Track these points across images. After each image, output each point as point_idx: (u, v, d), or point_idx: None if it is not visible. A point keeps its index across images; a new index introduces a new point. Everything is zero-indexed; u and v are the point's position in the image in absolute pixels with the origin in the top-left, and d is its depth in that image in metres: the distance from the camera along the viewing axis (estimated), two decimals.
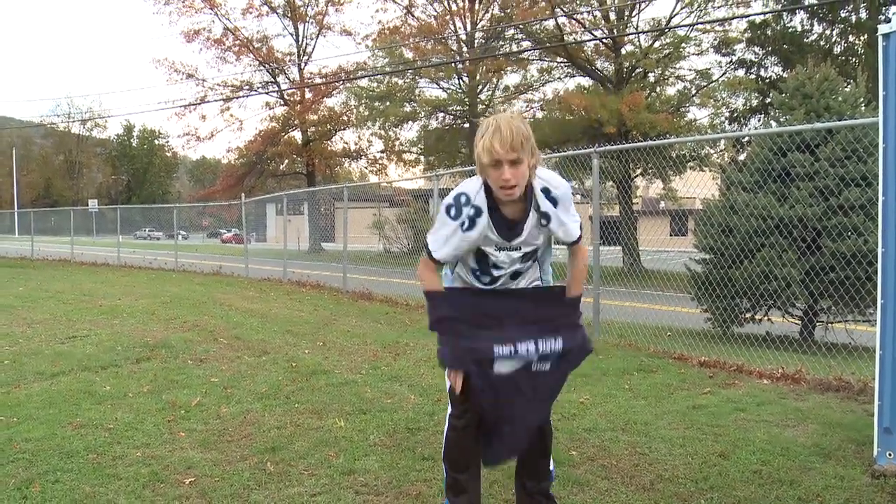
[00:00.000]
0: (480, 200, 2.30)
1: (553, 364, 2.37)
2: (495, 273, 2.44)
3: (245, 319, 8.19)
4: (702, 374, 5.41)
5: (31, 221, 24.34)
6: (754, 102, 20.84)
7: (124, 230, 25.26)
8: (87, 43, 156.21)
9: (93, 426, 3.91)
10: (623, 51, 21.70)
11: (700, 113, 22.56)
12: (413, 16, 27.95)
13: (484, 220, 2.30)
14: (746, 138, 15.65)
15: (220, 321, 7.99)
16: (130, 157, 73.21)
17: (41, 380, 5.06)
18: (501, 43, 25.31)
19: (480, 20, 26.63)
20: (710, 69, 21.63)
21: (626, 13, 21.32)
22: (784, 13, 20.00)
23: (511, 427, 2.43)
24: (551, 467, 2.73)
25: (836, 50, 19.49)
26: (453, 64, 25.74)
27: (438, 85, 27.28)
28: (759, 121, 20.83)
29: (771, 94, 12.16)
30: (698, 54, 21.72)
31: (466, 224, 2.30)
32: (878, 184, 3.27)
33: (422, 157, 30.73)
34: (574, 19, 21.76)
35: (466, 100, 26.24)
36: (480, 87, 26.37)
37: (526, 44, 23.89)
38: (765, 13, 20.30)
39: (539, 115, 24.67)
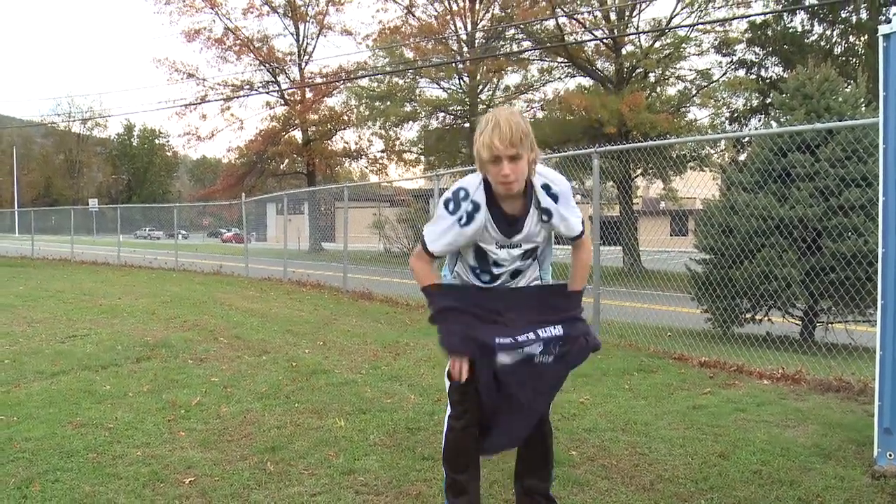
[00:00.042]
0: (479, 196, 2.29)
1: (556, 357, 2.36)
2: (495, 271, 2.43)
3: (245, 319, 8.19)
4: (702, 374, 5.41)
5: (31, 220, 24.34)
6: (755, 103, 20.83)
7: (124, 229, 25.25)
8: (88, 42, 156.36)
9: (93, 425, 3.91)
10: (623, 51, 21.71)
11: (700, 113, 22.59)
12: (414, 16, 27.97)
13: (482, 215, 2.30)
14: (747, 139, 15.65)
15: (220, 321, 7.99)
16: (131, 157, 73.19)
17: (41, 379, 5.06)
18: (502, 43, 25.32)
19: (481, 20, 26.64)
20: (710, 69, 21.66)
21: (627, 13, 21.32)
22: (784, 13, 20.00)
23: (510, 418, 2.42)
24: (552, 472, 2.71)
25: (837, 50, 19.48)
26: (454, 64, 25.74)
27: (439, 85, 27.29)
28: (759, 121, 20.84)
29: (771, 95, 12.15)
30: (699, 54, 21.75)
31: (464, 219, 2.29)
32: (878, 184, 3.27)
33: (422, 157, 30.73)
34: (574, 19, 21.77)
35: (467, 100, 26.24)
36: (481, 86, 26.37)
37: (526, 44, 23.90)
38: (765, 13, 20.30)
39: (539, 115, 24.69)
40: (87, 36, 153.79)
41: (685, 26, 20.61)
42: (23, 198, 59.43)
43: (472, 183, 2.32)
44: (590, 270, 2.61)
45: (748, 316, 8.51)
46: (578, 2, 21.24)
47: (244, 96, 33.03)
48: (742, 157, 15.81)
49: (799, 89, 8.88)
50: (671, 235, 18.76)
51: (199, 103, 32.72)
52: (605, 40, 21.42)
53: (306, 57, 33.25)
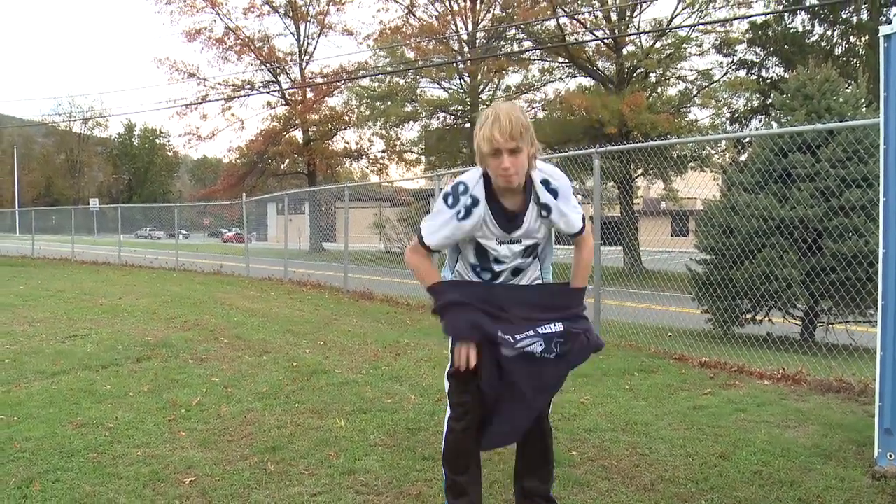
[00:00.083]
0: (479, 191, 2.29)
1: (557, 355, 2.35)
2: (496, 268, 2.42)
3: (246, 319, 8.19)
4: (702, 374, 5.41)
5: (32, 220, 24.34)
6: (755, 103, 20.83)
7: (125, 229, 25.25)
8: (89, 42, 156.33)
9: (93, 425, 3.91)
10: (624, 51, 21.71)
11: (701, 113, 22.60)
12: (414, 16, 27.98)
13: (481, 210, 2.29)
14: (747, 139, 15.64)
15: (220, 320, 7.99)
16: (131, 157, 73.20)
17: (42, 379, 5.07)
18: (503, 43, 25.31)
19: (482, 20, 26.64)
20: (711, 70, 21.67)
21: (628, 13, 21.32)
22: (785, 14, 20.00)
23: (511, 407, 2.40)
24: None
25: (838, 51, 19.47)
26: (454, 64, 25.75)
27: (440, 85, 27.30)
28: (760, 121, 20.84)
29: (772, 95, 12.15)
30: (699, 55, 21.75)
31: (462, 213, 2.29)
32: (879, 185, 3.26)
33: (423, 157, 30.74)
34: (575, 19, 21.78)
35: (468, 100, 26.24)
36: (482, 87, 26.38)
37: (527, 44, 23.90)
38: (766, 14, 20.29)
39: (540, 115, 24.67)
40: (87, 36, 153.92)
41: (686, 26, 20.62)
42: (23, 197, 59.44)
43: (472, 178, 2.32)
44: (591, 268, 2.60)
45: (749, 316, 8.51)
46: (579, 2, 21.25)
47: (245, 96, 33.09)
48: (743, 158, 15.81)
49: (800, 90, 8.88)
50: (672, 236, 18.75)
51: (200, 103, 32.79)
52: (605, 40, 21.42)
53: (307, 57, 33.31)
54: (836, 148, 7.80)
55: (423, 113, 27.66)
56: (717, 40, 21.26)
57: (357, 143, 34.45)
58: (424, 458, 3.38)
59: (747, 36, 20.76)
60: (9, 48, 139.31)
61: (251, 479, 3.13)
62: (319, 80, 32.77)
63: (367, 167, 35.23)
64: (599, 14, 21.58)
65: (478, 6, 26.22)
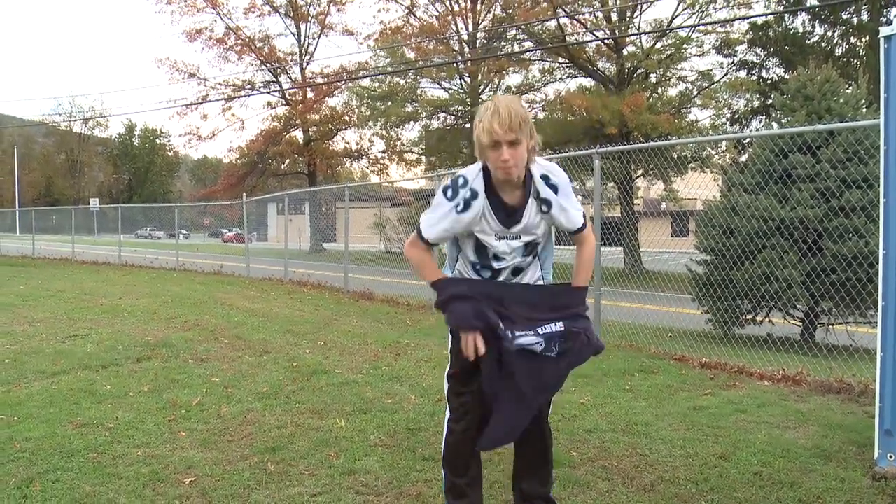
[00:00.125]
0: (478, 184, 2.29)
1: (558, 354, 2.34)
2: (496, 265, 2.41)
3: (246, 319, 8.19)
4: (703, 375, 5.40)
5: (32, 220, 24.34)
6: (756, 104, 20.84)
7: (125, 229, 25.26)
8: (90, 42, 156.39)
9: (93, 425, 3.91)
10: (625, 52, 21.71)
11: (701, 114, 22.61)
12: (415, 16, 28.00)
13: (480, 203, 2.29)
14: (748, 140, 15.64)
15: (221, 320, 7.99)
16: (132, 157, 73.20)
17: (42, 378, 5.07)
18: (503, 43, 25.32)
19: (482, 20, 26.65)
20: (711, 70, 21.70)
21: (628, 14, 21.33)
22: (786, 15, 20.00)
23: (510, 405, 2.38)
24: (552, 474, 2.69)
25: (838, 52, 19.49)
26: (455, 64, 25.75)
27: (440, 85, 27.31)
28: (760, 122, 20.85)
29: (772, 96, 12.15)
30: (700, 55, 21.78)
31: (461, 206, 2.28)
32: (879, 186, 3.26)
33: (423, 157, 30.76)
34: (576, 20, 21.78)
35: (468, 100, 26.24)
36: (482, 87, 26.38)
37: (528, 44, 23.91)
38: (766, 14, 20.30)
39: (541, 115, 24.67)
40: (88, 36, 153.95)
41: (686, 27, 20.63)
42: (24, 197, 59.45)
43: (472, 171, 2.33)
44: (593, 267, 2.59)
45: (749, 317, 8.51)
46: (580, 2, 21.25)
47: (245, 96, 33.11)
48: (743, 159, 15.82)
49: (800, 90, 8.88)
50: (672, 236, 18.76)
51: (201, 103, 32.81)
52: (606, 41, 21.43)
53: (307, 57, 33.32)
54: (836, 149, 7.80)
55: (424, 113, 27.68)
56: (717, 41, 21.29)
57: (357, 144, 34.52)
58: (424, 458, 3.38)
59: (748, 36, 20.78)
60: (9, 48, 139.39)
61: (251, 480, 3.13)
62: (320, 80, 32.79)
63: (367, 167, 35.30)
64: (600, 14, 21.60)
65: (478, 6, 26.23)
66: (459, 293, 2.36)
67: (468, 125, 26.29)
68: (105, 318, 8.01)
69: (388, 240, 20.65)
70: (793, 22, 20.26)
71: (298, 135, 33.54)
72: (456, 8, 26.91)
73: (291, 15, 32.46)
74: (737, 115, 21.42)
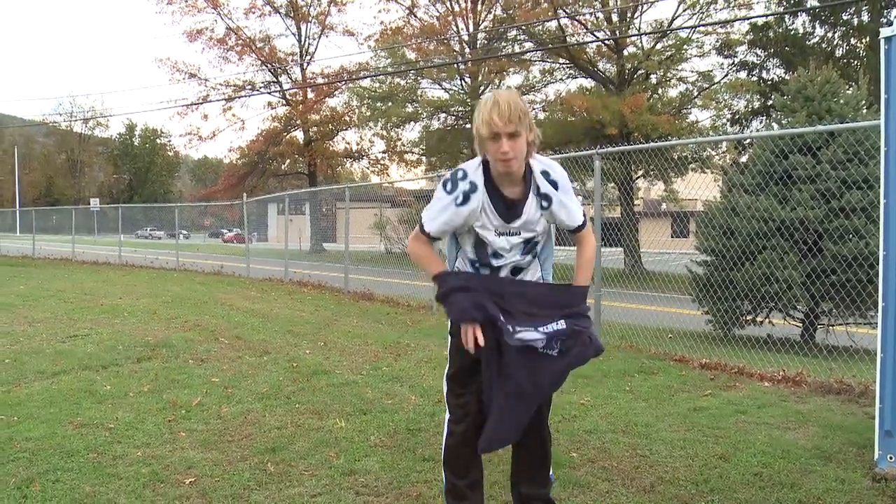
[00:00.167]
0: (478, 177, 2.30)
1: (559, 352, 2.33)
2: (495, 263, 2.41)
3: (246, 319, 8.19)
4: (703, 376, 5.40)
5: (32, 220, 24.35)
6: (756, 104, 20.85)
7: (126, 229, 25.26)
8: (90, 42, 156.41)
9: (93, 425, 3.91)
10: (625, 52, 21.72)
11: (702, 115, 22.64)
12: (415, 16, 28.02)
13: (479, 196, 2.29)
14: (748, 140, 15.64)
15: (221, 321, 7.99)
16: (132, 157, 73.23)
17: (42, 379, 5.06)
18: (504, 44, 25.34)
19: (483, 21, 26.66)
20: (711, 71, 21.72)
21: (629, 15, 21.34)
22: (786, 15, 20.01)
23: (508, 404, 2.36)
24: (551, 475, 2.68)
25: (838, 52, 19.49)
26: (455, 65, 25.76)
27: (440, 86, 27.32)
28: (760, 123, 20.85)
29: (773, 97, 12.15)
30: (700, 56, 21.81)
31: (461, 199, 2.29)
32: (879, 187, 3.26)
33: (423, 158, 30.77)
34: (576, 21, 21.80)
35: (468, 100, 26.24)
36: (482, 87, 26.38)
37: (528, 45, 23.92)
38: (767, 15, 20.31)
39: (541, 116, 24.69)
40: (89, 36, 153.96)
41: (687, 28, 20.64)
42: (24, 197, 59.49)
43: (471, 165, 2.34)
44: (593, 266, 2.58)
45: (749, 318, 8.51)
46: (580, 3, 21.27)
47: (246, 96, 33.12)
48: (743, 159, 15.80)
49: (800, 91, 8.88)
50: (672, 237, 18.75)
51: (201, 103, 32.83)
52: (606, 42, 21.44)
53: (308, 57, 33.34)
54: (836, 150, 7.80)
55: (424, 114, 27.70)
56: (717, 42, 21.31)
57: (358, 144, 34.53)
58: (425, 459, 3.38)
59: (748, 37, 20.79)
60: (10, 48, 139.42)
61: (251, 480, 3.13)
62: (320, 80, 32.79)
63: (367, 168, 35.30)
64: (600, 15, 21.61)
65: (479, 7, 26.24)
66: (459, 285, 2.36)
67: (469, 126, 26.29)
68: (105, 319, 8.01)
69: (388, 240, 20.66)
70: (793, 23, 20.28)
71: (299, 135, 33.55)
72: (456, 8, 26.92)
73: (292, 15, 32.48)
74: (737, 116, 21.43)
